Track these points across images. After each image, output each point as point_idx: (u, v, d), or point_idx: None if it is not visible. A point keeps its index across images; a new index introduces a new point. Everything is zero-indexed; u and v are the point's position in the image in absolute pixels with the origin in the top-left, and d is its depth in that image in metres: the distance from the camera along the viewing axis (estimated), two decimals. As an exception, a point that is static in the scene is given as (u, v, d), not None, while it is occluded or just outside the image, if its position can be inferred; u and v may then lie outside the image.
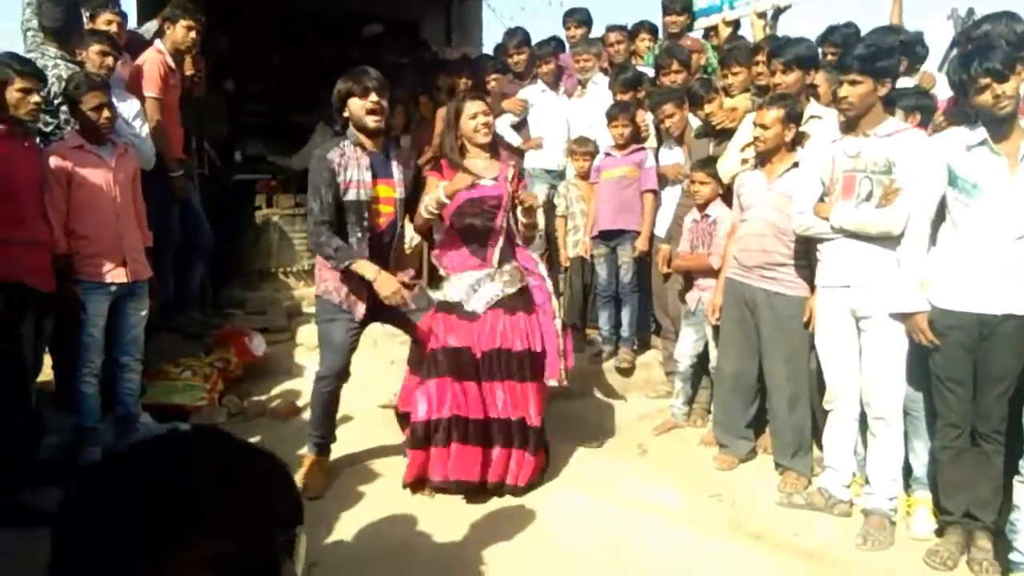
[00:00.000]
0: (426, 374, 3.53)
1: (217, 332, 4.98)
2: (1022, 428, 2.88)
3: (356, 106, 3.42)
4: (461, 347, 3.52)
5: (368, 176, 3.44)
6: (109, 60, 4.18)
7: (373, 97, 3.39)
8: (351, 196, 3.42)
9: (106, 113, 3.75)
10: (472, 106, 3.59)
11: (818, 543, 3.31)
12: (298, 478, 3.64)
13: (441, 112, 6.02)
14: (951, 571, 3.06)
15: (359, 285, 3.46)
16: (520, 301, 3.62)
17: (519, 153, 5.72)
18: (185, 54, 4.84)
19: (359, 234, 3.45)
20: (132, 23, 5.24)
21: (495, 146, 3.67)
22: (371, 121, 3.42)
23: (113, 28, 4.47)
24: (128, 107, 4.35)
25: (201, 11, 4.87)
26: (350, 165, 3.42)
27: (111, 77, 4.19)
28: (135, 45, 4.78)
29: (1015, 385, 2.97)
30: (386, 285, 3.37)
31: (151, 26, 4.97)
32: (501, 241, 3.60)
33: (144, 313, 3.99)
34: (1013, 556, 2.90)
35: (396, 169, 3.55)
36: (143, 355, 4.06)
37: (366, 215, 3.44)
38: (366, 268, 3.39)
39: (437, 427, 3.47)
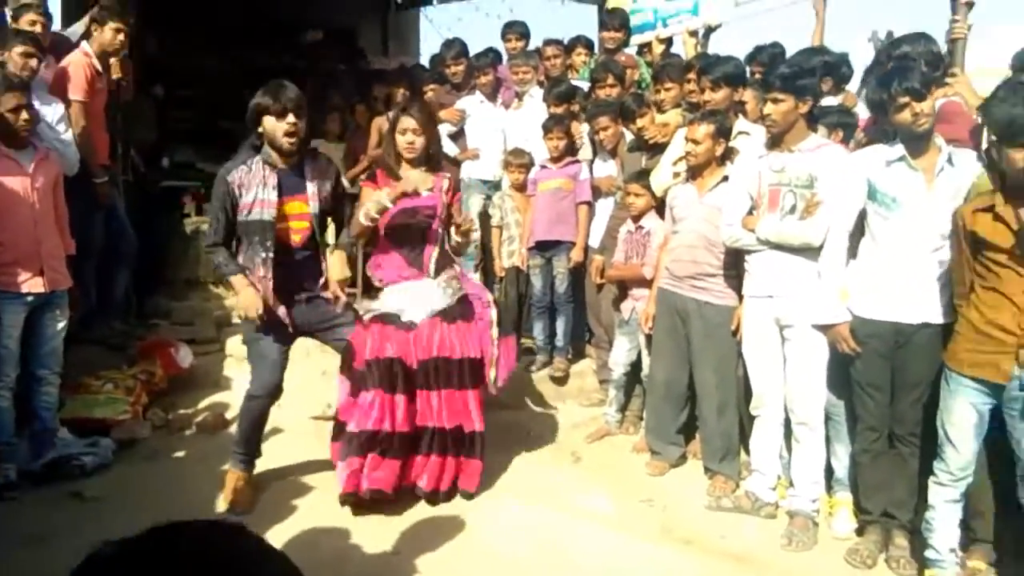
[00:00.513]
0: (362, 385, 3.50)
1: (141, 343, 4.83)
2: (935, 431, 3.00)
3: (271, 124, 3.34)
4: (395, 358, 3.50)
5: (274, 195, 3.36)
6: (32, 62, 4.03)
7: (290, 119, 3.31)
8: (254, 216, 3.35)
9: (24, 115, 3.61)
10: (403, 121, 3.58)
11: (745, 545, 3.39)
12: (224, 495, 3.56)
13: (377, 121, 6.01)
14: (870, 569, 3.18)
15: (276, 300, 3.43)
16: (458, 309, 3.62)
17: (455, 163, 5.73)
18: (112, 56, 4.70)
19: (263, 254, 3.38)
20: (57, 24, 5.06)
21: (432, 159, 3.66)
22: (286, 143, 3.35)
23: (37, 28, 4.32)
24: (52, 111, 4.21)
25: (130, 13, 4.74)
26: (254, 184, 3.35)
27: (34, 79, 4.05)
28: (60, 47, 4.62)
29: (929, 391, 3.11)
30: (245, 300, 3.36)
31: (77, 28, 4.82)
32: (436, 251, 3.61)
33: (63, 324, 3.85)
34: (929, 553, 3.02)
35: (311, 184, 3.46)
36: (62, 367, 3.91)
37: (269, 234, 3.36)
38: (236, 281, 3.39)
39: (368, 438, 3.45)
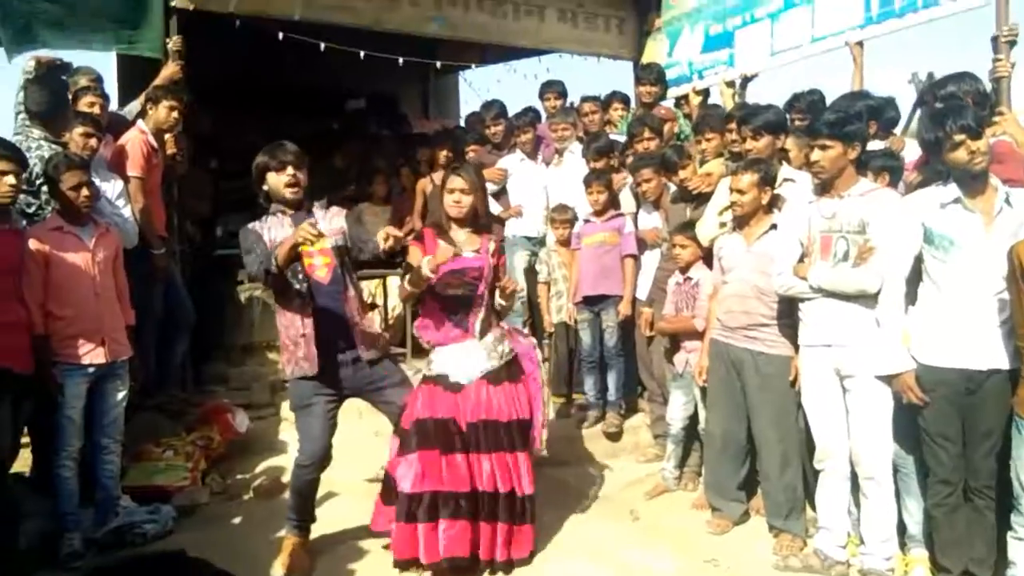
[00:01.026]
0: (410, 446, 3.49)
1: (200, 409, 4.90)
2: (1011, 481, 2.88)
3: (273, 179, 3.50)
4: (447, 418, 3.49)
5: (291, 230, 3.39)
6: (92, 141, 4.22)
7: (289, 171, 3.47)
8: None
9: (85, 192, 3.76)
10: (452, 181, 3.62)
11: (817, 606, 3.26)
12: (280, 561, 3.55)
13: (421, 183, 6.12)
14: (952, 630, 3.02)
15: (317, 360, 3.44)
16: (505, 371, 3.61)
17: (500, 221, 5.79)
18: (167, 133, 4.89)
19: (297, 286, 3.46)
20: (114, 104, 5.30)
21: (479, 220, 3.68)
22: (289, 193, 3.49)
23: (96, 110, 4.52)
24: (111, 187, 4.37)
25: (183, 91, 4.95)
26: (275, 227, 3.49)
27: (94, 157, 4.22)
28: (118, 125, 4.82)
29: (1003, 440, 2.98)
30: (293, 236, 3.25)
31: (134, 107, 5.03)
32: (483, 312, 3.60)
33: (124, 393, 3.93)
34: (1013, 612, 2.87)
35: (322, 221, 3.53)
36: (123, 436, 3.98)
37: (300, 269, 3.40)
38: (279, 251, 3.31)
39: (421, 501, 3.42)
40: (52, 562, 3.61)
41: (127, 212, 4.44)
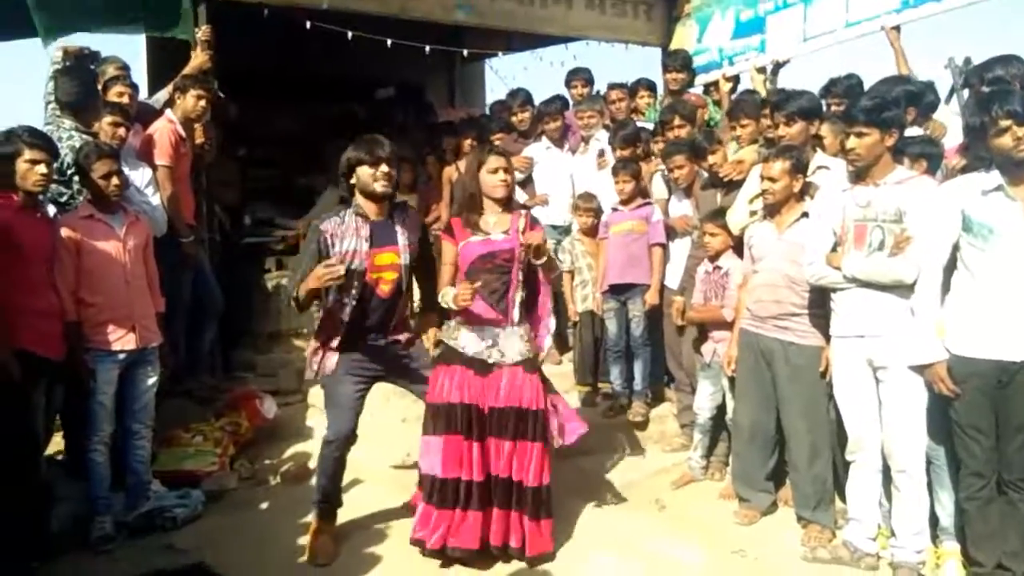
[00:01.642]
0: (436, 428, 3.48)
1: (228, 395, 4.95)
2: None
3: (365, 174, 3.48)
4: (472, 403, 3.47)
5: (366, 246, 3.46)
6: (121, 131, 4.26)
7: (383, 168, 3.47)
8: (346, 266, 3.40)
9: (115, 181, 3.80)
10: (494, 160, 3.56)
11: (846, 599, 3.22)
12: (307, 546, 3.58)
13: (447, 171, 6.11)
14: (985, 625, 2.97)
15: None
16: (534, 359, 3.57)
17: (526, 209, 5.76)
18: (195, 123, 4.93)
19: (344, 299, 3.46)
20: (143, 93, 5.35)
21: (511, 200, 3.65)
22: (379, 186, 3.47)
23: (124, 99, 4.57)
24: (140, 175, 4.41)
25: (211, 80, 4.97)
26: (347, 235, 3.46)
27: (123, 147, 4.26)
28: (146, 115, 4.87)
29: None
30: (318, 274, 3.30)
31: (161, 96, 5.08)
32: (520, 295, 3.53)
33: (154, 380, 3.98)
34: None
35: (400, 235, 3.55)
36: (154, 422, 4.04)
37: (358, 284, 3.44)
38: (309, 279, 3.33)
39: (444, 486, 3.42)
40: (83, 544, 3.67)
41: (156, 200, 4.48)
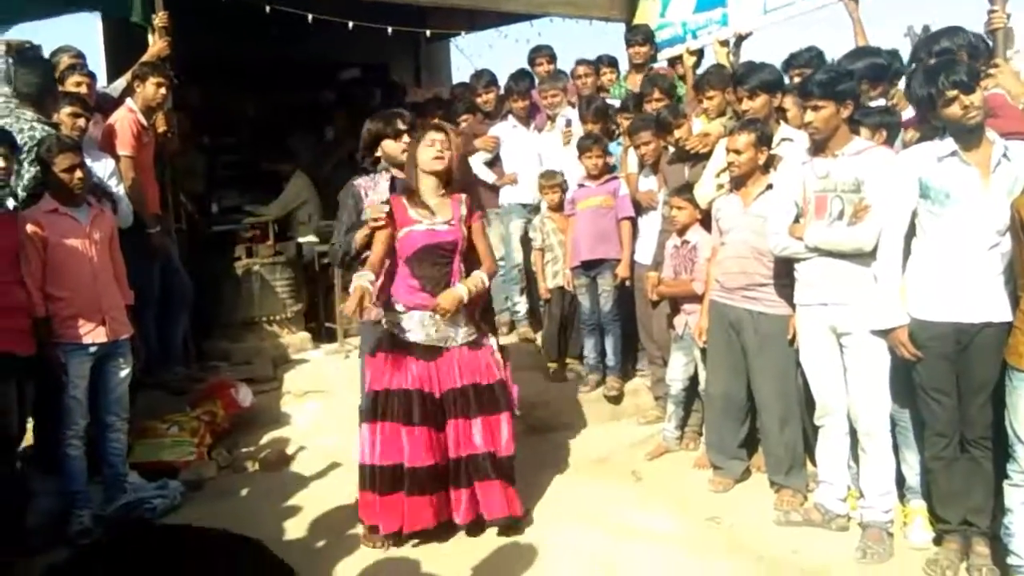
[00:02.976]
0: (374, 416, 3.44)
1: (202, 385, 4.93)
2: (1007, 432, 2.91)
3: (391, 146, 3.71)
4: (418, 389, 3.43)
5: (387, 195, 3.59)
6: (81, 121, 4.17)
7: (406, 139, 3.65)
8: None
9: (78, 174, 3.73)
10: (431, 135, 3.48)
11: (818, 560, 3.32)
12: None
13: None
14: (951, 579, 3.08)
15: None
16: (481, 334, 3.59)
17: (494, 190, 5.77)
18: (157, 111, 4.85)
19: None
20: (102, 81, 5.24)
21: (452, 182, 3.54)
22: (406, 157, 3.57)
23: (83, 89, 4.48)
24: (102, 166, 4.34)
25: (170, 67, 4.89)
26: (378, 189, 3.68)
27: (84, 138, 4.19)
28: (106, 104, 4.78)
29: (998, 392, 3.01)
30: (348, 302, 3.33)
31: (119, 84, 4.99)
32: (461, 279, 3.51)
33: (127, 372, 3.94)
34: (1011, 560, 2.92)
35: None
36: (128, 414, 4.01)
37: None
38: (356, 285, 3.30)
39: (383, 474, 3.41)
40: (61, 540, 3.65)
41: (120, 191, 4.41)
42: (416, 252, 3.46)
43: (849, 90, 3.37)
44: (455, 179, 3.56)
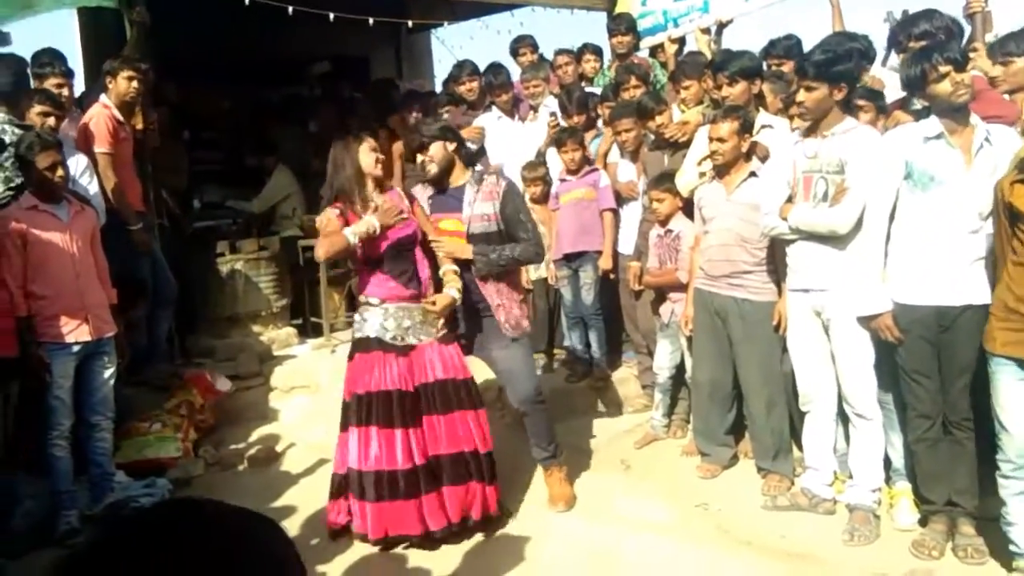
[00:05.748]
0: (358, 421, 3.40)
1: (178, 378, 4.88)
2: (990, 413, 2.94)
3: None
4: (394, 389, 3.39)
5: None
6: (51, 120, 4.07)
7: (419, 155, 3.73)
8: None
9: (59, 172, 3.70)
10: (369, 141, 3.53)
11: (806, 543, 3.35)
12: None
13: (396, 146, 6.05)
14: (938, 560, 3.11)
15: None
16: (452, 335, 3.59)
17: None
18: (133, 106, 4.78)
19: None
20: (80, 79, 5.18)
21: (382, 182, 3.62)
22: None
23: (65, 91, 4.41)
24: (75, 163, 4.24)
25: (141, 61, 4.79)
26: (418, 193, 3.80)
27: (57, 135, 4.13)
28: (88, 102, 4.71)
29: (980, 374, 3.04)
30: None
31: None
32: (428, 270, 3.54)
33: (112, 370, 3.92)
34: (1013, 547, 2.93)
35: (469, 199, 3.63)
36: (114, 413, 3.98)
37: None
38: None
39: (363, 481, 3.38)
40: (47, 541, 3.62)
41: (93, 188, 4.34)
42: (386, 249, 3.45)
43: (845, 72, 3.37)
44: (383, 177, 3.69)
